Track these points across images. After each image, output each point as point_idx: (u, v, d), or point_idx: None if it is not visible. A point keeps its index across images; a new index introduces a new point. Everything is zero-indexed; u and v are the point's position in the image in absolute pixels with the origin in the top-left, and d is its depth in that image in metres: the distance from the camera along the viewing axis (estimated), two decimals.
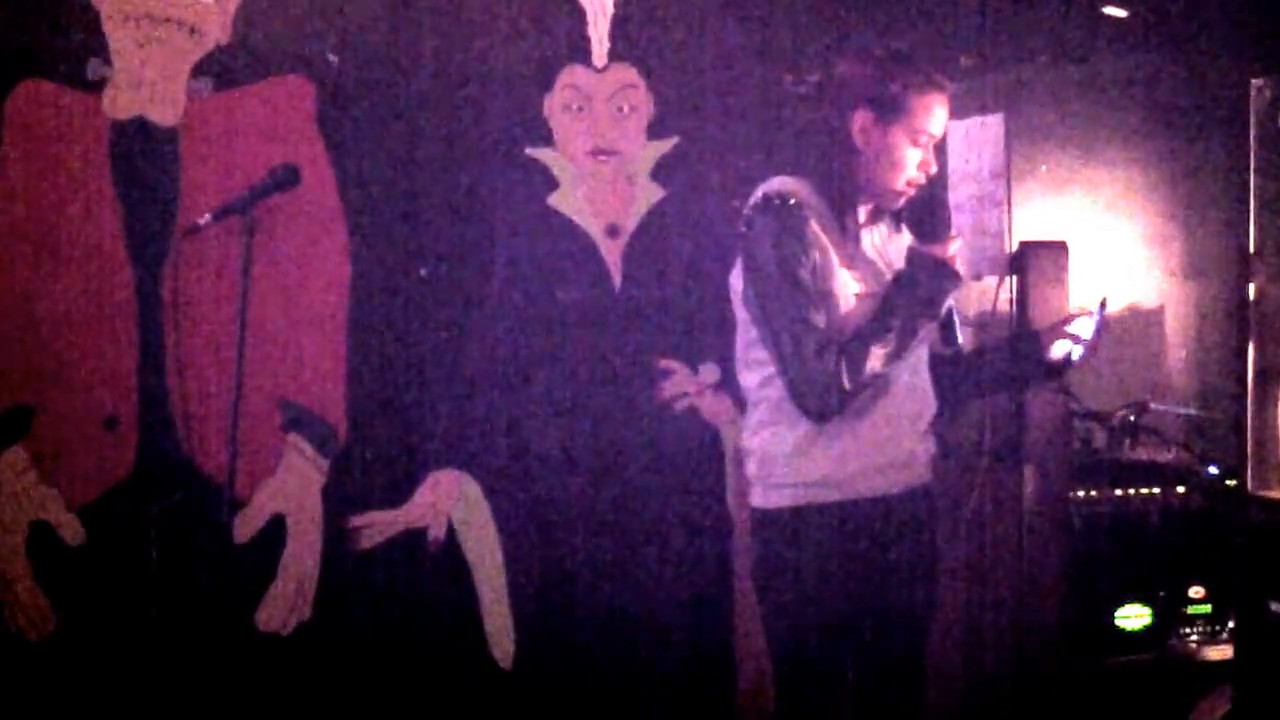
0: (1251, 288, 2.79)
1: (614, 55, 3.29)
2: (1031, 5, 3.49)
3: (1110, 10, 3.57)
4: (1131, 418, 3.30)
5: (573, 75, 3.28)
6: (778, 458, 2.32)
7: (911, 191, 2.35)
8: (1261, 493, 2.74)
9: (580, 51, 3.28)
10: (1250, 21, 3.47)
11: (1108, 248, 3.67)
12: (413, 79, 3.22)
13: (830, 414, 2.26)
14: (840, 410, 2.26)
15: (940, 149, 2.46)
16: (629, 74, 3.30)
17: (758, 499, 2.37)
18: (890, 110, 2.29)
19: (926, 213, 2.36)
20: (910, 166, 2.32)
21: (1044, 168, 3.62)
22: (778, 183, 2.33)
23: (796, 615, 2.32)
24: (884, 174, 2.32)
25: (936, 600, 2.46)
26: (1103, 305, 2.48)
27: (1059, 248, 3.04)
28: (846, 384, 2.22)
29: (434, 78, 3.22)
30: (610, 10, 3.28)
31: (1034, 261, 2.99)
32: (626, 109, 3.30)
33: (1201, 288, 3.76)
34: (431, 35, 3.22)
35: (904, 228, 2.44)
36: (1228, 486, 3.19)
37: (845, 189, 2.32)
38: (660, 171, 3.32)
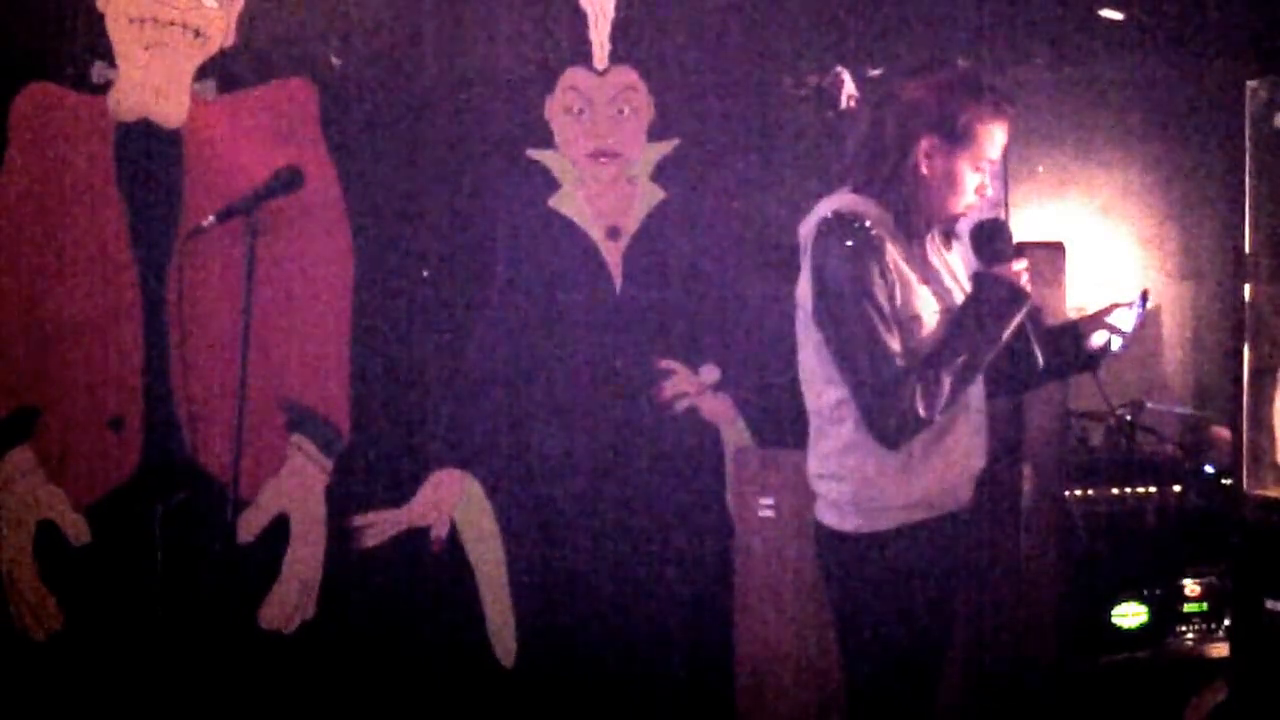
0: (1247, 288, 2.81)
1: (615, 58, 3.31)
2: (1028, 7, 3.50)
3: (1107, 13, 3.58)
4: (1128, 417, 3.32)
5: (574, 77, 3.30)
6: (881, 480, 2.29)
7: (967, 214, 2.35)
8: (1256, 491, 2.76)
9: (581, 54, 3.30)
10: (1246, 24, 3.48)
11: (1104, 249, 3.69)
12: (415, 81, 3.23)
13: (905, 442, 2.25)
14: (913, 438, 2.25)
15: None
16: (630, 76, 3.31)
17: (853, 523, 2.31)
18: (957, 139, 2.28)
19: (988, 233, 2.33)
20: (969, 192, 2.32)
21: (1041, 169, 3.64)
22: (849, 201, 2.31)
23: (898, 634, 2.31)
24: (945, 199, 2.31)
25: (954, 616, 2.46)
26: (1144, 297, 2.49)
27: (1056, 248, 3.05)
28: (923, 413, 2.21)
29: (436, 80, 3.24)
30: (611, 13, 3.30)
31: (1031, 262, 3.00)
32: (627, 111, 3.31)
33: (1197, 288, 3.77)
34: (433, 38, 3.24)
35: (954, 244, 2.44)
36: (1224, 485, 3.21)
37: (912, 212, 2.30)
38: (661, 173, 3.33)
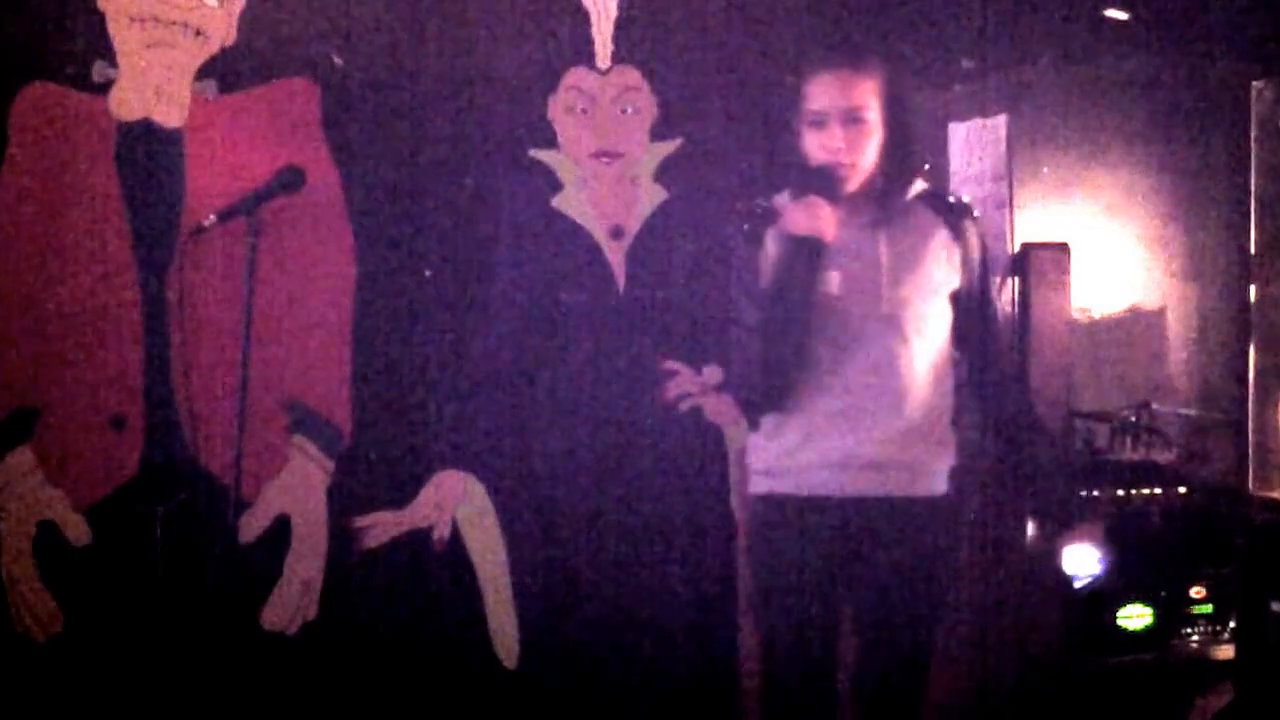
0: (1252, 289, 2.81)
1: (617, 57, 3.30)
2: (1033, 8, 3.49)
3: (1112, 13, 3.57)
4: (1133, 418, 3.32)
5: (576, 77, 3.29)
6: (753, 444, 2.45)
7: (844, 172, 2.33)
8: (1262, 493, 2.75)
9: (584, 53, 3.29)
10: (1251, 24, 3.47)
11: (1109, 249, 3.68)
12: (417, 81, 3.22)
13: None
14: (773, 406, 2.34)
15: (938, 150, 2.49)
16: (632, 76, 3.30)
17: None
18: (797, 106, 2.34)
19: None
20: (816, 151, 2.33)
21: (1046, 170, 3.63)
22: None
23: (759, 601, 2.44)
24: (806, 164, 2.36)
25: (936, 616, 2.43)
26: None
27: (1061, 249, 3.05)
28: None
29: (438, 79, 3.23)
30: (614, 12, 3.29)
31: (1036, 263, 3.00)
32: (630, 111, 3.30)
33: (1203, 289, 3.77)
34: (436, 37, 3.23)
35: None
36: (1229, 487, 3.20)
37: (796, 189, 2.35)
38: (664, 173, 3.32)
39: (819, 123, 2.32)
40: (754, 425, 2.43)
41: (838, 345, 2.33)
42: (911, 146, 2.41)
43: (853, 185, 2.34)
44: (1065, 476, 2.74)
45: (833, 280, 2.33)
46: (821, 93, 2.32)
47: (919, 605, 2.38)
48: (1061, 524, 2.54)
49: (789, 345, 2.28)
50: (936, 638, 2.43)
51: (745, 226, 2.36)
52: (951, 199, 2.48)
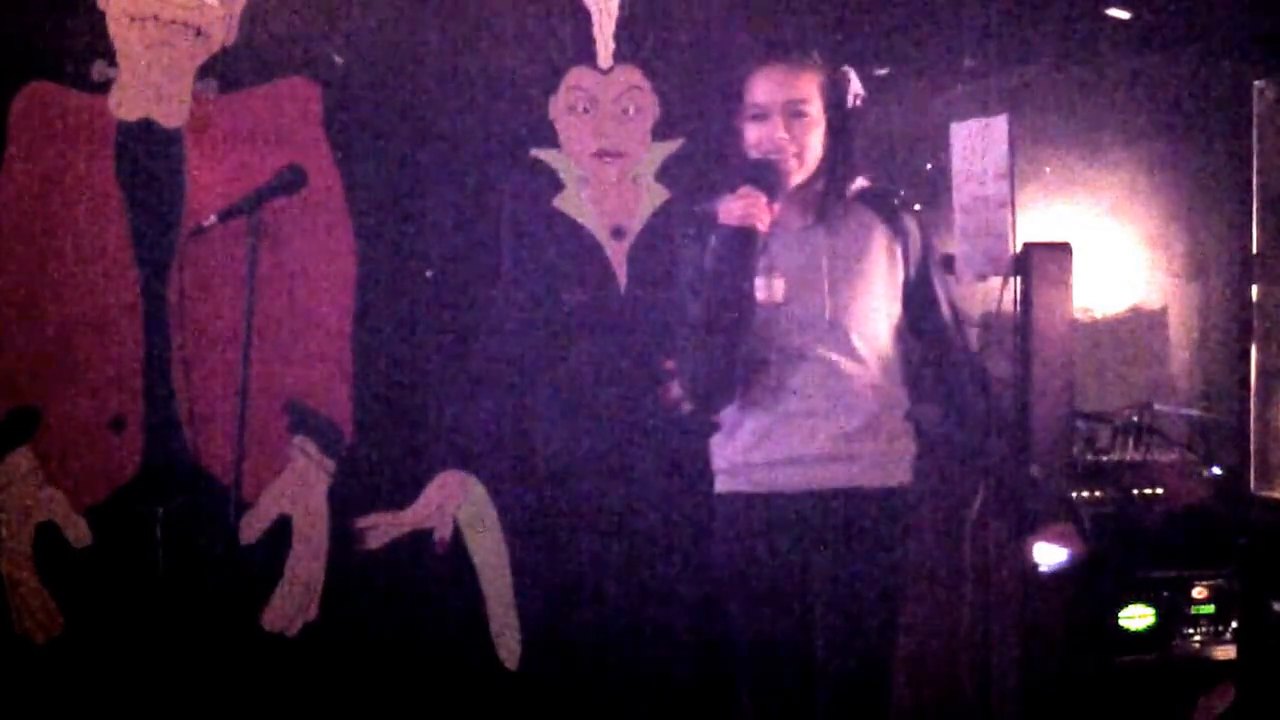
0: (1254, 289, 2.81)
1: (619, 57, 3.30)
2: (1035, 7, 3.49)
3: (1113, 12, 3.57)
4: (1135, 418, 3.31)
5: (578, 77, 3.29)
6: (714, 444, 2.48)
7: (787, 165, 2.34)
8: (1264, 493, 2.75)
9: (585, 53, 3.29)
10: (1253, 23, 3.47)
11: (1111, 249, 3.68)
12: (418, 80, 3.22)
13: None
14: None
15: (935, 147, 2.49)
16: (634, 75, 3.30)
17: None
18: (738, 102, 2.37)
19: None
20: (760, 144, 2.35)
21: (1048, 169, 3.63)
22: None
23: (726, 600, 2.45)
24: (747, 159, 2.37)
25: (895, 610, 2.43)
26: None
27: (1063, 249, 3.04)
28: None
29: (439, 79, 3.23)
30: (615, 12, 3.29)
31: (1038, 263, 2.99)
32: (632, 110, 3.30)
33: (1204, 289, 3.76)
34: (437, 37, 3.23)
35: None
36: (1230, 487, 3.20)
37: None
38: (665, 173, 3.32)
39: (761, 116, 2.35)
40: (712, 424, 2.46)
41: (785, 352, 2.37)
42: (852, 142, 2.43)
43: (795, 179, 2.37)
44: (1024, 463, 2.76)
45: (777, 288, 2.37)
46: (763, 86, 2.35)
47: (882, 596, 2.40)
48: (1031, 517, 2.55)
49: (730, 337, 2.31)
50: (899, 629, 2.45)
51: (690, 230, 2.43)
52: (889, 194, 2.49)
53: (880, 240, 2.42)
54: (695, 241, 2.42)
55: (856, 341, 2.38)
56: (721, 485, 2.48)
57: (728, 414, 2.45)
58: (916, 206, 2.50)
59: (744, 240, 2.29)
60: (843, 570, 2.38)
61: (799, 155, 2.36)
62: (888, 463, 2.41)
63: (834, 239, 2.40)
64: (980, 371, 2.54)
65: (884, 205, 2.45)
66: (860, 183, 2.46)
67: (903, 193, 2.54)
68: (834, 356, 2.37)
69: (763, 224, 2.30)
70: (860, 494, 2.39)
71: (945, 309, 2.47)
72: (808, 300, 2.37)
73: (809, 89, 2.36)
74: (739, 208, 2.30)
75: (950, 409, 2.49)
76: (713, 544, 2.50)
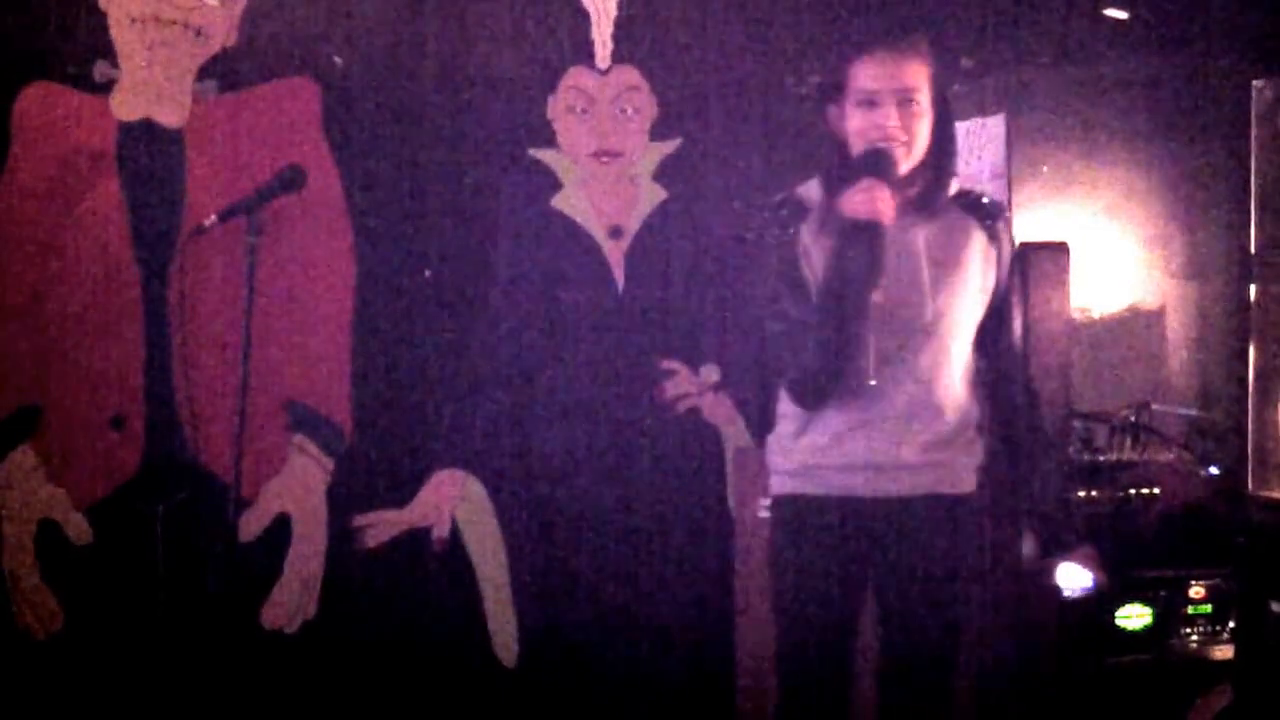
0: (1252, 289, 2.80)
1: (617, 57, 3.31)
2: (1033, 7, 3.49)
3: (1111, 12, 3.57)
4: (1133, 418, 3.31)
5: (576, 77, 3.30)
6: (778, 445, 2.39)
7: (899, 153, 2.24)
8: (1262, 493, 2.75)
9: (584, 53, 3.30)
10: (1251, 23, 3.47)
11: (1109, 249, 3.67)
12: (417, 81, 3.23)
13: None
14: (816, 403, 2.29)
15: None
16: (632, 76, 3.31)
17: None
18: (839, 89, 2.27)
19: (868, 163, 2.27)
20: (867, 132, 2.24)
21: (1045, 169, 3.62)
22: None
23: (780, 603, 2.37)
24: (852, 149, 2.27)
25: (960, 615, 2.39)
26: None
27: (1060, 249, 3.04)
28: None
29: (438, 79, 3.24)
30: (613, 12, 3.30)
31: (1035, 263, 2.99)
32: (630, 110, 3.31)
33: (1202, 289, 3.76)
34: (436, 37, 3.24)
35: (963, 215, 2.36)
36: (1228, 487, 3.20)
37: (835, 181, 2.26)
38: (663, 173, 3.33)
39: (870, 103, 2.24)
40: (765, 427, 2.40)
41: (880, 354, 2.24)
42: (954, 140, 2.36)
43: (904, 169, 2.27)
44: (1063, 488, 2.70)
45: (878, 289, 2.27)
46: (872, 72, 2.24)
47: (947, 602, 2.36)
48: (1057, 540, 2.50)
49: (847, 335, 2.20)
50: (963, 635, 2.41)
51: (778, 219, 2.29)
52: (985, 199, 2.40)
53: (978, 245, 2.33)
54: (785, 234, 2.28)
55: (951, 346, 2.30)
56: (784, 486, 2.36)
57: (791, 414, 2.34)
58: (1008, 214, 2.43)
59: (869, 235, 2.17)
60: (911, 576, 2.31)
61: (907, 145, 2.25)
62: (962, 470, 2.35)
63: (933, 241, 2.30)
64: (1035, 396, 2.48)
65: (980, 210, 2.36)
66: (955, 184, 2.37)
67: (998, 198, 2.47)
68: (926, 361, 2.28)
69: (888, 217, 2.18)
70: (934, 501, 2.32)
71: (1015, 327, 2.41)
72: (908, 301, 2.27)
73: (919, 78, 2.26)
74: (863, 200, 2.17)
75: (999, 429, 2.42)
76: (773, 546, 2.38)
